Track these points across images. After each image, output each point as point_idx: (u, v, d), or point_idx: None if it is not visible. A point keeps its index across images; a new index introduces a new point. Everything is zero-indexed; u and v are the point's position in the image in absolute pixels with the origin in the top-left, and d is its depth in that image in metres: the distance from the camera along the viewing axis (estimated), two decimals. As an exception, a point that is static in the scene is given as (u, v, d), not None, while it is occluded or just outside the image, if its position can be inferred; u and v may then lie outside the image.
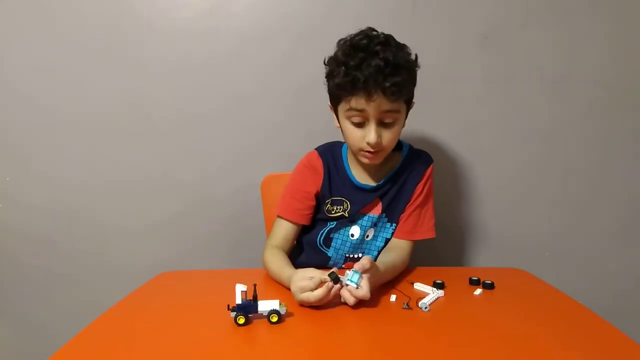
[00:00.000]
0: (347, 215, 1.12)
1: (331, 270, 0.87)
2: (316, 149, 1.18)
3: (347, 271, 0.88)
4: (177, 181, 1.44)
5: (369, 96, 0.94)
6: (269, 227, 1.38)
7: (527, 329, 0.81)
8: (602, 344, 0.76)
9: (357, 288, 0.86)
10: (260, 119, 1.40)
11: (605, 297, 1.38)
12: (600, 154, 1.44)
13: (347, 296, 0.87)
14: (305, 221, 1.16)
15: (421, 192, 1.14)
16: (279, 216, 1.15)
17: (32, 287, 1.48)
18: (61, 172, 1.41)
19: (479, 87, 1.39)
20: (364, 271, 0.87)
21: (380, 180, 1.13)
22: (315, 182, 1.14)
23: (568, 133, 1.43)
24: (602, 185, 1.46)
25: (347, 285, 0.87)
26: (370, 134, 0.98)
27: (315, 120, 1.38)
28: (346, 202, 1.13)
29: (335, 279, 0.86)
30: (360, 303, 0.87)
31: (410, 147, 1.18)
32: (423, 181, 1.14)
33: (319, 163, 1.14)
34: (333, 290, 0.87)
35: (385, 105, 0.96)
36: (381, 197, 1.13)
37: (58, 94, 1.37)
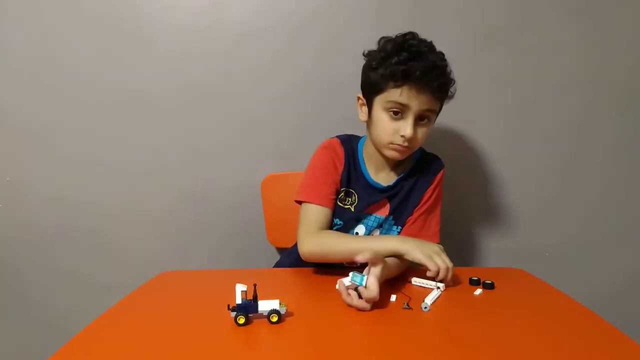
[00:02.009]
0: (353, 209, 1.12)
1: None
2: (337, 136, 1.16)
3: (352, 274, 0.86)
4: (177, 181, 1.43)
5: (420, 88, 0.97)
6: (270, 227, 1.39)
7: (527, 329, 0.81)
8: (602, 344, 0.76)
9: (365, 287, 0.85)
10: (260, 118, 1.40)
11: (605, 297, 1.37)
12: (600, 154, 1.44)
13: (361, 304, 0.85)
14: (333, 205, 1.12)
15: (430, 196, 1.14)
16: (309, 203, 1.08)
17: (32, 287, 1.48)
18: (61, 173, 1.41)
19: (479, 87, 1.39)
20: (373, 263, 0.87)
21: (391, 181, 1.13)
22: (337, 166, 1.12)
23: (569, 133, 1.43)
24: (603, 185, 1.46)
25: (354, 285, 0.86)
26: (407, 127, 1.00)
27: (316, 120, 1.38)
28: (355, 196, 1.13)
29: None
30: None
31: (423, 151, 1.19)
32: (433, 186, 1.14)
33: (340, 150, 1.13)
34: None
35: (428, 103, 1.00)
36: (390, 199, 1.13)
37: (57, 93, 1.37)
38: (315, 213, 1.08)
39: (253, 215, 1.42)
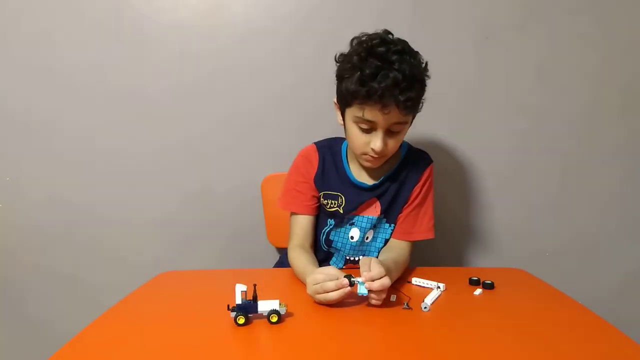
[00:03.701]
0: (342, 211, 1.12)
1: (348, 275, 0.87)
2: (315, 142, 1.19)
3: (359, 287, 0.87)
4: (178, 181, 1.43)
5: (382, 108, 0.94)
6: (269, 227, 1.39)
7: (527, 329, 0.81)
8: (602, 344, 0.77)
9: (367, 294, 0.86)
10: (260, 118, 1.40)
11: (605, 297, 1.38)
12: (600, 154, 1.44)
13: (375, 298, 0.87)
14: (313, 211, 1.16)
15: (419, 192, 1.14)
16: (291, 213, 1.17)
17: (31, 287, 1.48)
18: (61, 173, 1.41)
19: (478, 87, 1.39)
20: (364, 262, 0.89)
21: (378, 179, 1.13)
22: (309, 173, 1.15)
23: (567, 133, 1.43)
24: (602, 185, 1.46)
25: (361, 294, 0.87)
26: (376, 141, 0.98)
27: (316, 119, 1.38)
28: (341, 197, 1.13)
29: (351, 282, 0.86)
30: (360, 301, 0.88)
31: (410, 147, 1.18)
32: (421, 182, 1.14)
33: (314, 156, 1.15)
34: (345, 292, 0.87)
35: (397, 117, 0.97)
36: (379, 197, 1.13)
37: (57, 93, 1.37)
38: (294, 224, 1.16)
39: (253, 215, 1.42)
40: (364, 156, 1.04)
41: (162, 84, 1.37)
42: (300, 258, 1.07)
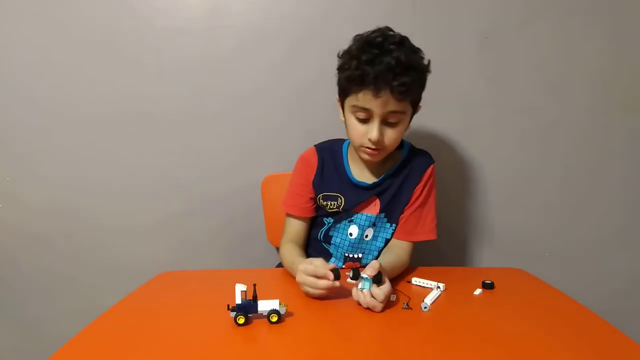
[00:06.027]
0: (341, 210, 1.13)
1: (354, 268, 0.89)
2: (315, 145, 1.20)
3: (362, 281, 0.88)
4: (177, 181, 1.43)
5: (376, 93, 0.95)
6: (270, 227, 1.39)
7: (526, 329, 0.81)
8: (602, 344, 0.77)
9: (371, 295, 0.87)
10: (260, 118, 1.40)
11: (605, 297, 1.38)
12: (599, 154, 1.44)
13: (372, 302, 0.86)
14: (310, 213, 1.18)
15: (421, 193, 1.13)
16: (286, 214, 1.19)
17: (31, 287, 1.48)
18: (61, 172, 1.41)
19: (478, 87, 1.39)
20: (376, 270, 0.88)
21: (377, 178, 1.13)
22: (308, 175, 1.16)
23: (567, 133, 1.43)
24: (602, 185, 1.46)
25: (362, 289, 0.87)
26: (372, 131, 0.99)
27: (316, 120, 1.38)
28: (340, 198, 1.13)
29: (355, 276, 0.88)
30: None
31: (411, 146, 1.18)
32: (423, 182, 1.14)
33: (313, 158, 1.16)
34: (332, 286, 0.89)
35: (392, 104, 0.97)
36: (379, 196, 1.13)
37: (58, 93, 1.37)
38: (288, 224, 1.19)
39: (253, 216, 1.42)
40: (362, 148, 1.05)
41: (162, 86, 1.37)
42: (291, 252, 1.10)
